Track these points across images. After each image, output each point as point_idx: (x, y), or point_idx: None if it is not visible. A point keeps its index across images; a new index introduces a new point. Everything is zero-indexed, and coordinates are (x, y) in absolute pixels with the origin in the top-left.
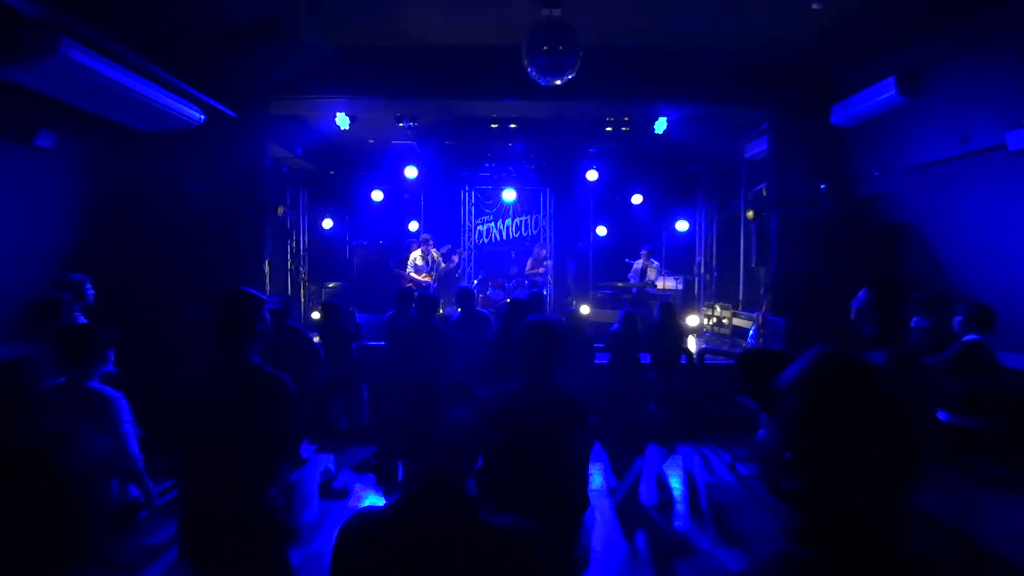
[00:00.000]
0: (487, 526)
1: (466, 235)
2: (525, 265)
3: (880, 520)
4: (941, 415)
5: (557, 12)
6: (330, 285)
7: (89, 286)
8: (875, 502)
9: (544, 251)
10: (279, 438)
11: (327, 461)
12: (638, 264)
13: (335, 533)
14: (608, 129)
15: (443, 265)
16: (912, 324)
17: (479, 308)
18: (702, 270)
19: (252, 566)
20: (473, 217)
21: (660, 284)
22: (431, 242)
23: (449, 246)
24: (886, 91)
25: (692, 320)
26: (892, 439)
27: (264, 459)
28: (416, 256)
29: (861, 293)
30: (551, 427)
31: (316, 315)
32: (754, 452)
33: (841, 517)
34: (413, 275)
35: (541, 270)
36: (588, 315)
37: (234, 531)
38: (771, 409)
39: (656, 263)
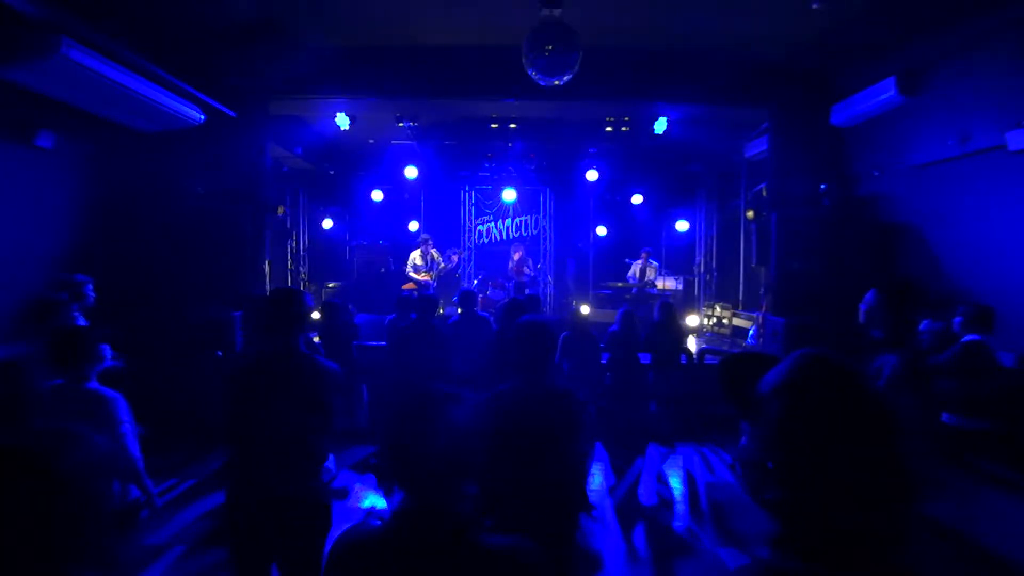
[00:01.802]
0: (483, 547)
1: (466, 235)
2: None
3: (868, 530)
4: (942, 416)
5: (557, 12)
6: (330, 285)
7: (90, 288)
8: (862, 512)
9: (520, 252)
10: (328, 421)
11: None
12: (636, 265)
13: (334, 533)
14: (608, 129)
15: (442, 265)
16: (922, 327)
17: (480, 311)
18: (702, 270)
19: (298, 548)
20: (473, 217)
21: (660, 284)
22: (430, 242)
23: (453, 250)
24: (886, 91)
25: (692, 320)
26: (877, 445)
27: (314, 442)
28: (415, 256)
29: (869, 294)
30: (548, 425)
31: (316, 315)
32: (737, 461)
33: (825, 528)
34: (412, 275)
35: (527, 270)
36: (588, 315)
37: (285, 513)
38: (751, 416)
39: (655, 263)
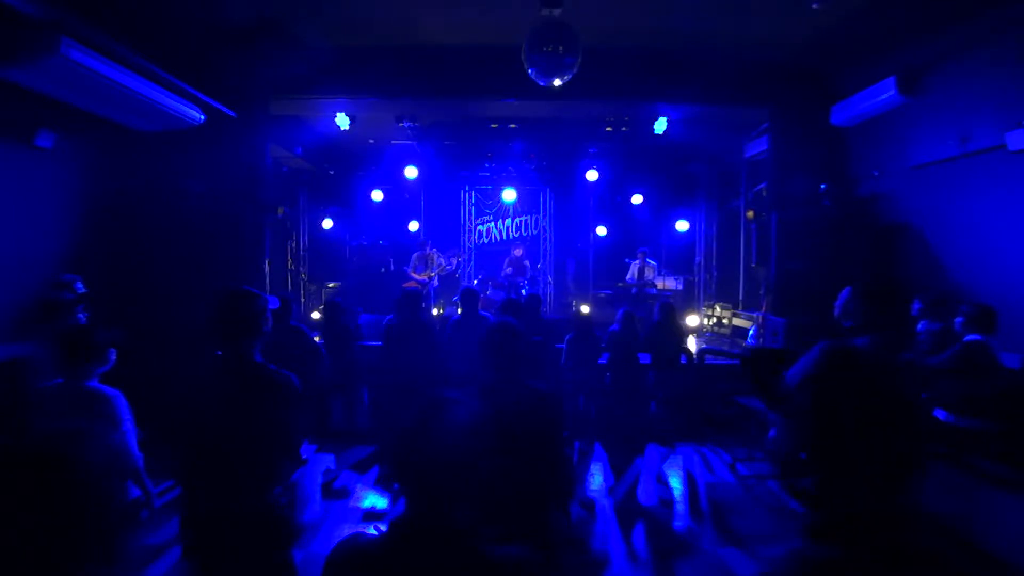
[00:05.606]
0: (484, 557)
1: (466, 235)
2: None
3: (893, 515)
4: (941, 415)
5: (557, 12)
6: (330, 285)
7: (80, 284)
8: (889, 497)
9: (520, 251)
10: (284, 437)
11: (327, 461)
12: (634, 266)
13: (335, 533)
14: (608, 129)
15: (443, 265)
16: (921, 327)
17: (481, 311)
18: (702, 270)
19: (256, 565)
20: (473, 217)
21: (660, 284)
22: (429, 244)
23: (453, 251)
24: (886, 91)
25: (692, 320)
26: (902, 433)
27: (269, 458)
28: (415, 258)
29: (844, 291)
30: (530, 423)
31: (316, 315)
32: (767, 453)
33: (858, 514)
34: (412, 274)
35: (527, 267)
36: (589, 315)
37: (238, 530)
38: (780, 408)
39: (653, 263)
